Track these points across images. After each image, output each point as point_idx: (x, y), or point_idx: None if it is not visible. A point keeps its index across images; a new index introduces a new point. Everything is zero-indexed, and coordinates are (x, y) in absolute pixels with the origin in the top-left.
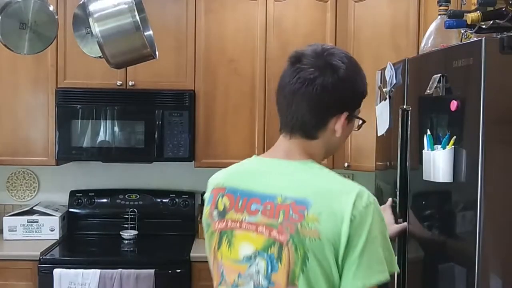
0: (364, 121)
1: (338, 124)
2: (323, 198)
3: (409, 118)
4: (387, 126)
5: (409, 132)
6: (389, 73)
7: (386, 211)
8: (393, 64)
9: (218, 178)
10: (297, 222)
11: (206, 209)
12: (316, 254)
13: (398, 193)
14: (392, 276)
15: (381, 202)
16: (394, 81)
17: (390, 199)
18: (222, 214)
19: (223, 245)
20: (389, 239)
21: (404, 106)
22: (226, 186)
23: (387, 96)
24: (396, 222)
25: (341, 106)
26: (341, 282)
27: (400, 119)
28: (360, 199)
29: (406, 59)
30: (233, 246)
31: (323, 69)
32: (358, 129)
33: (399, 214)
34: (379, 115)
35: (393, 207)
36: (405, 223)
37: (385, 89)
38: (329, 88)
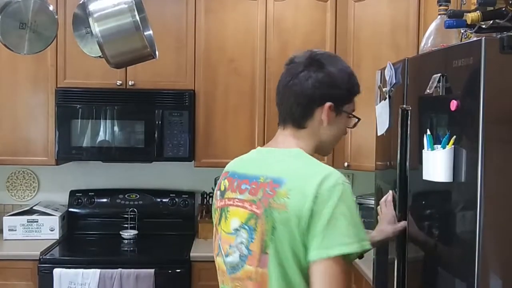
0: (358, 119)
1: (324, 114)
2: (296, 177)
3: (409, 118)
4: (386, 126)
5: (409, 132)
6: (389, 73)
7: (388, 207)
8: (393, 64)
9: (228, 166)
10: (270, 197)
11: (215, 191)
12: (283, 225)
13: (398, 193)
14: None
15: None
16: (394, 81)
17: (390, 192)
18: (222, 194)
19: (222, 220)
20: (358, 219)
21: (404, 106)
22: (229, 171)
23: (387, 96)
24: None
25: (323, 96)
26: (308, 252)
27: (400, 119)
28: (328, 180)
29: (406, 59)
30: (227, 221)
31: (308, 65)
32: (353, 127)
33: (399, 214)
34: (378, 115)
35: (394, 202)
36: (405, 222)
37: (384, 88)
38: (312, 80)
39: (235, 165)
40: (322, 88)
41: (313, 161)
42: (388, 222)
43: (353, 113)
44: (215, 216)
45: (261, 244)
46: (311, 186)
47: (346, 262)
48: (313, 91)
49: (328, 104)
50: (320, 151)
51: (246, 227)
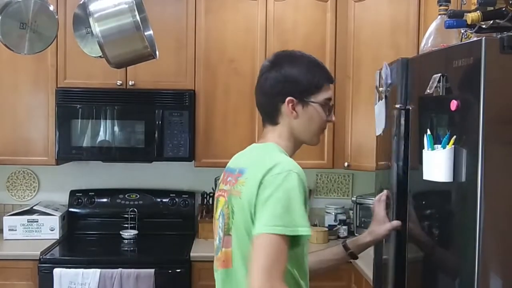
0: (331, 106)
1: (287, 108)
2: (254, 167)
3: (409, 118)
4: (383, 126)
5: (409, 132)
6: (385, 73)
7: (379, 207)
8: (389, 64)
9: (228, 163)
10: (232, 185)
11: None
12: (239, 210)
13: (398, 193)
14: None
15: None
16: (389, 81)
17: (385, 191)
18: (217, 187)
19: (216, 209)
20: (298, 205)
21: (403, 106)
22: (227, 166)
23: (384, 96)
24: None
25: (282, 92)
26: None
27: (400, 119)
28: (275, 168)
29: (400, 58)
30: (217, 209)
31: (269, 68)
32: (329, 114)
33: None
34: (377, 115)
35: (387, 203)
36: (397, 222)
37: (381, 88)
38: (270, 80)
39: (231, 161)
40: (279, 86)
41: (273, 153)
42: (378, 223)
43: (325, 102)
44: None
45: (225, 227)
46: (260, 174)
47: (279, 241)
48: (272, 90)
49: (288, 98)
50: (305, 142)
51: (222, 213)
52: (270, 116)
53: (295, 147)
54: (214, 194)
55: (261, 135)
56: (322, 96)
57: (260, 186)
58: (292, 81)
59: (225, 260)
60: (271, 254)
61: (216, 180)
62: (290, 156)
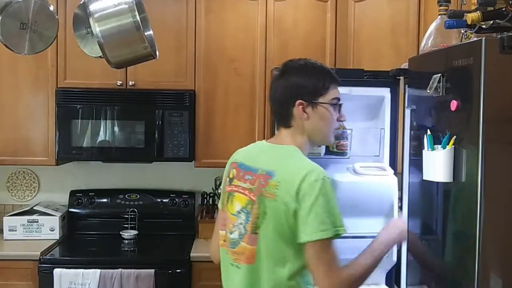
0: (340, 105)
1: (298, 111)
2: (284, 171)
3: (409, 118)
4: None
5: (409, 132)
6: None
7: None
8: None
9: (236, 156)
10: (263, 187)
11: (224, 177)
12: (272, 212)
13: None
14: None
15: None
16: None
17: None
18: (231, 181)
19: (229, 203)
20: (335, 208)
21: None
22: (238, 161)
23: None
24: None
25: (292, 96)
26: (297, 235)
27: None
28: (309, 175)
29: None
30: (232, 203)
31: (278, 78)
32: (338, 113)
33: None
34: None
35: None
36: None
37: None
38: (280, 88)
39: (243, 156)
40: (288, 92)
41: (300, 158)
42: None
43: (333, 102)
44: (224, 198)
45: (252, 226)
46: (295, 180)
47: (329, 241)
48: (282, 96)
49: (297, 101)
50: (319, 142)
51: (245, 210)
52: (284, 120)
53: (309, 148)
54: (214, 194)
55: (272, 136)
56: (330, 96)
57: (299, 194)
58: (299, 85)
59: (249, 256)
60: (328, 256)
61: (216, 180)
62: None
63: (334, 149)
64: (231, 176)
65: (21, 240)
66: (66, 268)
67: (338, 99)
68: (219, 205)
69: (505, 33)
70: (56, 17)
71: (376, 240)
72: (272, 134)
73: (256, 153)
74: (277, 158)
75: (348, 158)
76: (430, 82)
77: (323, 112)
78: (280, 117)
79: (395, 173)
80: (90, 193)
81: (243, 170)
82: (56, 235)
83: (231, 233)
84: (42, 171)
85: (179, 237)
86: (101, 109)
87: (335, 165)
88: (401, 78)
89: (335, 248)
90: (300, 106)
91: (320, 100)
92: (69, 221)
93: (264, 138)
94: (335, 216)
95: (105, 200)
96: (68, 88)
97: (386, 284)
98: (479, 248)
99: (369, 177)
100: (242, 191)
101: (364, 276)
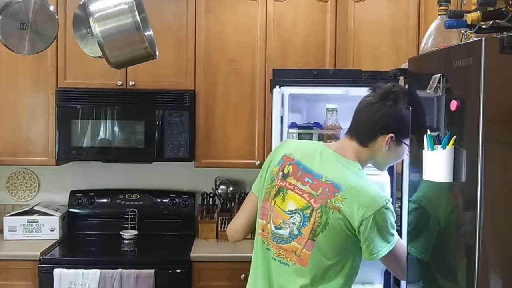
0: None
1: (384, 142)
2: (352, 189)
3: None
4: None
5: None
6: None
7: None
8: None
9: (291, 149)
10: (328, 198)
11: (275, 168)
12: (334, 222)
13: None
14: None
15: None
16: None
17: None
18: (285, 177)
19: (279, 197)
20: (393, 224)
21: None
22: (295, 158)
23: None
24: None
25: (387, 127)
26: (366, 254)
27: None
28: (379, 201)
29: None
30: (284, 200)
31: (383, 99)
32: (408, 154)
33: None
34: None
35: None
36: None
37: None
38: (382, 112)
39: (299, 154)
40: (388, 120)
41: (367, 181)
42: None
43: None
44: (272, 191)
45: (311, 232)
46: (359, 203)
47: (389, 254)
48: (379, 121)
49: (390, 134)
50: (375, 166)
51: (301, 213)
52: (364, 138)
53: (364, 166)
54: (214, 194)
55: (272, 136)
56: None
57: (364, 218)
58: (401, 121)
59: (303, 259)
60: (398, 262)
61: (216, 180)
62: None
63: None
64: (286, 171)
65: (21, 240)
66: (66, 268)
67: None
68: (255, 191)
69: (505, 33)
70: (56, 17)
71: None
72: (271, 134)
73: (315, 156)
74: (344, 172)
75: None
76: (430, 82)
77: (401, 151)
78: (361, 134)
79: (392, 173)
80: (90, 193)
81: (301, 170)
82: (56, 235)
83: (278, 228)
84: (42, 171)
85: (179, 237)
86: (101, 109)
87: None
88: (401, 78)
89: (393, 253)
90: (389, 140)
91: (406, 141)
92: (69, 221)
93: (264, 137)
94: (393, 230)
95: (105, 200)
96: (68, 88)
97: (386, 284)
98: (479, 248)
99: None
100: (300, 192)
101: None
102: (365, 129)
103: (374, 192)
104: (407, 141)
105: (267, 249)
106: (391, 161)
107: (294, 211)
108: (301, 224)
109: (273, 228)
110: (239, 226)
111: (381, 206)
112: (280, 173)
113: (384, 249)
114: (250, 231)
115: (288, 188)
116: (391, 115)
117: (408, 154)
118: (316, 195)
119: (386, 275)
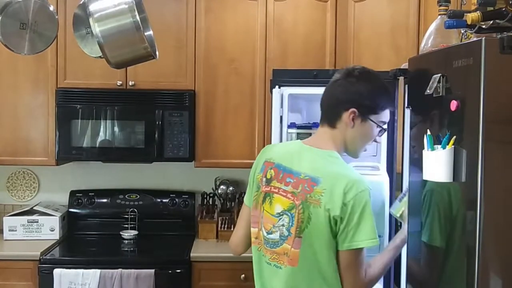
0: (384, 129)
1: (348, 117)
2: (330, 179)
3: (409, 118)
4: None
5: (409, 132)
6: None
7: None
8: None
9: (270, 154)
10: (308, 193)
11: (258, 175)
12: (316, 218)
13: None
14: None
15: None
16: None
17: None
18: (268, 181)
19: (266, 203)
20: (373, 217)
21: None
22: (275, 162)
23: None
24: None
25: (349, 102)
26: (341, 243)
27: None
28: (357, 186)
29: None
30: (272, 205)
31: (346, 76)
32: (378, 135)
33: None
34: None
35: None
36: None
37: None
38: (342, 87)
39: (279, 157)
40: (348, 95)
41: (344, 165)
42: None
43: (381, 124)
44: (259, 197)
45: (297, 229)
46: (339, 190)
47: (362, 251)
48: (340, 96)
49: (352, 109)
50: (348, 152)
51: (288, 213)
52: (331, 119)
53: (341, 154)
54: (214, 194)
55: (271, 136)
56: (380, 118)
57: (345, 204)
58: (361, 95)
59: (293, 259)
60: (362, 263)
61: (216, 180)
62: None
63: None
64: (268, 176)
65: (21, 240)
66: (66, 268)
67: (385, 123)
68: (247, 202)
69: (505, 33)
70: (56, 17)
71: (394, 241)
72: (270, 134)
73: (294, 155)
74: (320, 164)
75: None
76: (430, 82)
77: (368, 129)
78: (328, 115)
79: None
80: (90, 193)
81: (282, 172)
82: (56, 235)
83: (269, 233)
84: (42, 171)
85: (179, 237)
86: (101, 109)
87: None
88: (401, 78)
89: (364, 255)
90: (352, 115)
91: (372, 118)
92: (69, 221)
93: (264, 137)
94: (373, 228)
95: (105, 200)
96: (68, 88)
97: (385, 284)
98: (479, 248)
99: None
100: (284, 194)
101: (381, 274)
102: (330, 107)
103: (352, 176)
104: (373, 118)
105: (263, 255)
106: (361, 141)
107: (281, 213)
108: (290, 224)
109: (265, 234)
110: (239, 240)
111: (361, 189)
112: (264, 179)
113: (364, 242)
114: (251, 242)
115: (273, 192)
116: (351, 90)
117: (380, 135)
118: (297, 192)
119: (386, 275)
